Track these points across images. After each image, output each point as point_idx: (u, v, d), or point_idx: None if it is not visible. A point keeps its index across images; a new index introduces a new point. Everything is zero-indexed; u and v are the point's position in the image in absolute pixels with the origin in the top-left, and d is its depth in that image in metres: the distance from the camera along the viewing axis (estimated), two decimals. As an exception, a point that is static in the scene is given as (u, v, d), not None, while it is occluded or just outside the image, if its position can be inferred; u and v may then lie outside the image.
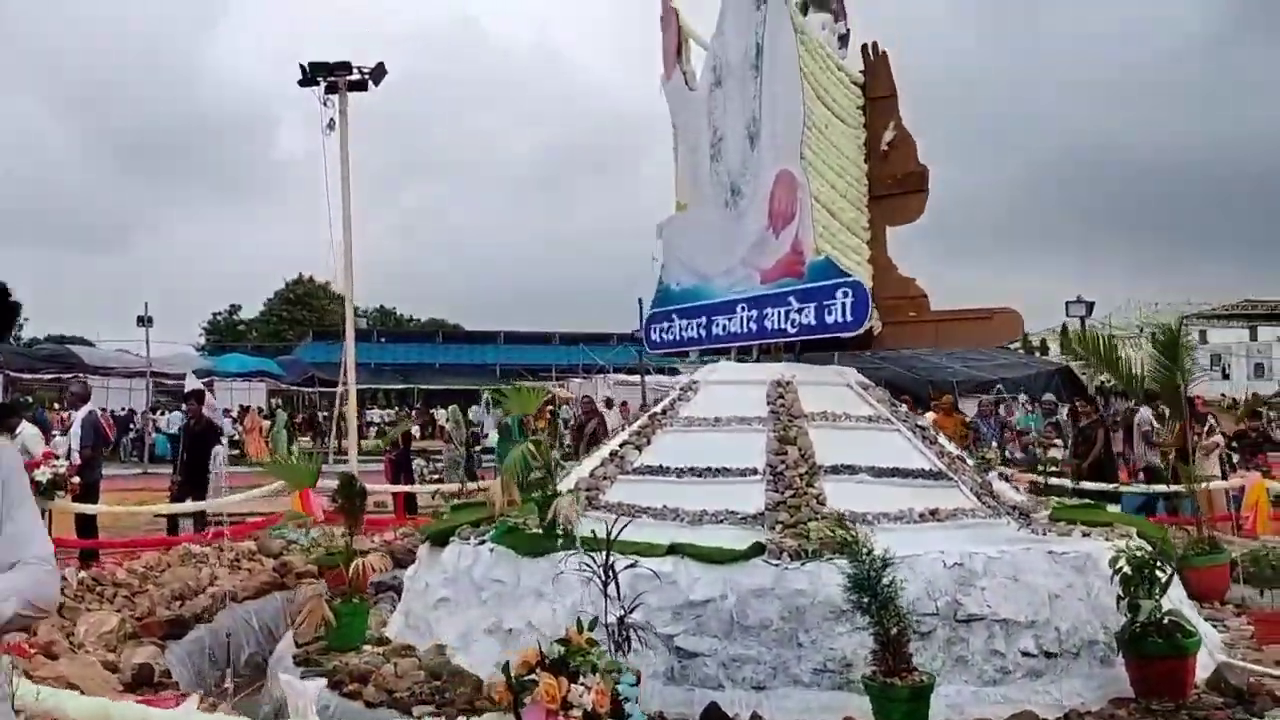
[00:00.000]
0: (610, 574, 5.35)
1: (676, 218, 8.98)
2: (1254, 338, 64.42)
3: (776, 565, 5.72)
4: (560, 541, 6.20)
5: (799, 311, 7.40)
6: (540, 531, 6.48)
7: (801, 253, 7.37)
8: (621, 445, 7.43)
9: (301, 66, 15.36)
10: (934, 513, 6.57)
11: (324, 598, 6.64)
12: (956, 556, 5.79)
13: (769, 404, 7.25)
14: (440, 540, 7.09)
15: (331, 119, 15.36)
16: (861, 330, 7.01)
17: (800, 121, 7.36)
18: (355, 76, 15.40)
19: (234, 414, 31.50)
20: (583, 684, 2.64)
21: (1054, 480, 12.52)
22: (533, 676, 2.70)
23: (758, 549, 5.80)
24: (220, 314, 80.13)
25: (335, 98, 15.30)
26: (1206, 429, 13.15)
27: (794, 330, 7.46)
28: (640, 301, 46.96)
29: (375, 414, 45.98)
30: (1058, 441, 14.22)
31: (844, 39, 8.43)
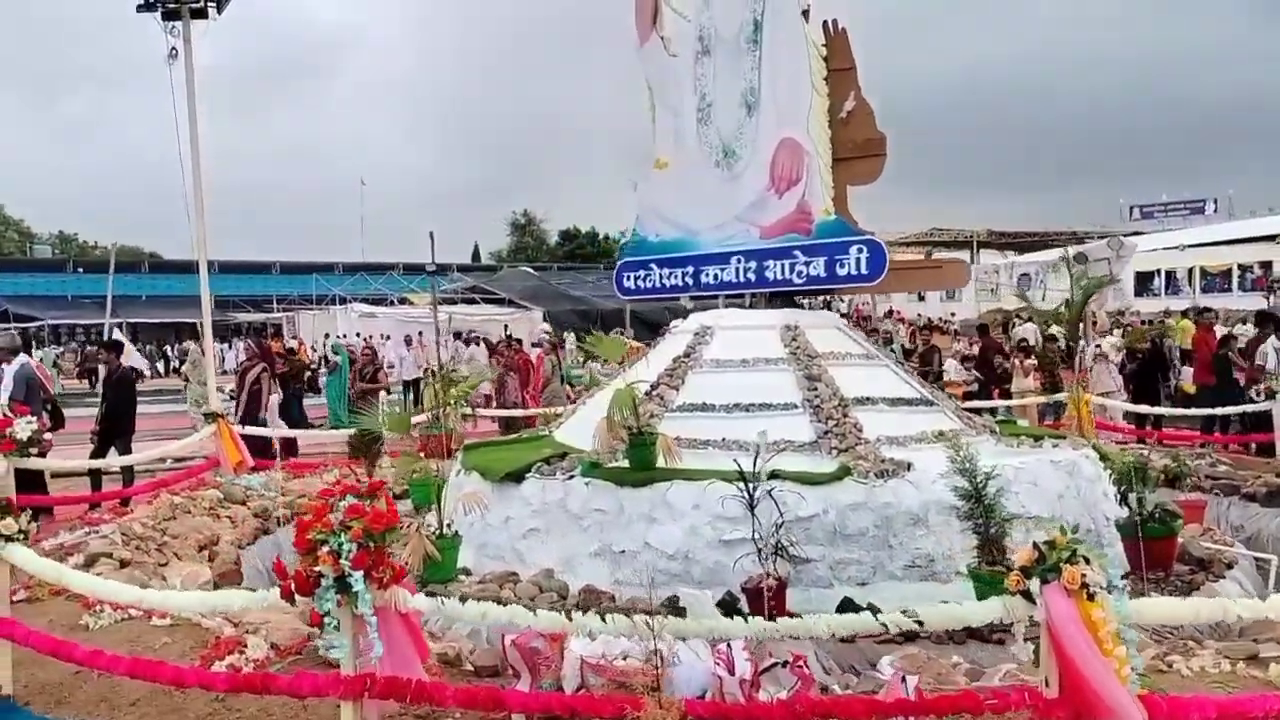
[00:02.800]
0: (753, 498, 6.31)
1: (656, 175, 9.72)
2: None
3: (865, 483, 6.84)
4: (662, 473, 7.04)
5: (806, 264, 8.45)
6: (627, 466, 7.26)
7: (809, 212, 8.41)
8: (655, 386, 8.23)
9: (139, -9, 14.41)
10: (941, 434, 7.92)
11: (424, 533, 7.04)
12: (994, 468, 7.11)
13: (785, 346, 8.30)
14: (515, 478, 7.65)
15: (174, 48, 14.59)
16: (880, 280, 8.18)
17: (807, 94, 8.37)
18: (197, 4, 14.67)
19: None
20: (1089, 569, 3.61)
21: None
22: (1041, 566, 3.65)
23: (845, 470, 6.89)
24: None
25: (179, 24, 14.51)
26: (1024, 355, 15.49)
27: (800, 280, 8.51)
28: (432, 235, 46.12)
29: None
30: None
31: (806, 14, 9.42)
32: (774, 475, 6.86)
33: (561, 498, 7.34)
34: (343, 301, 50.77)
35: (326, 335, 42.19)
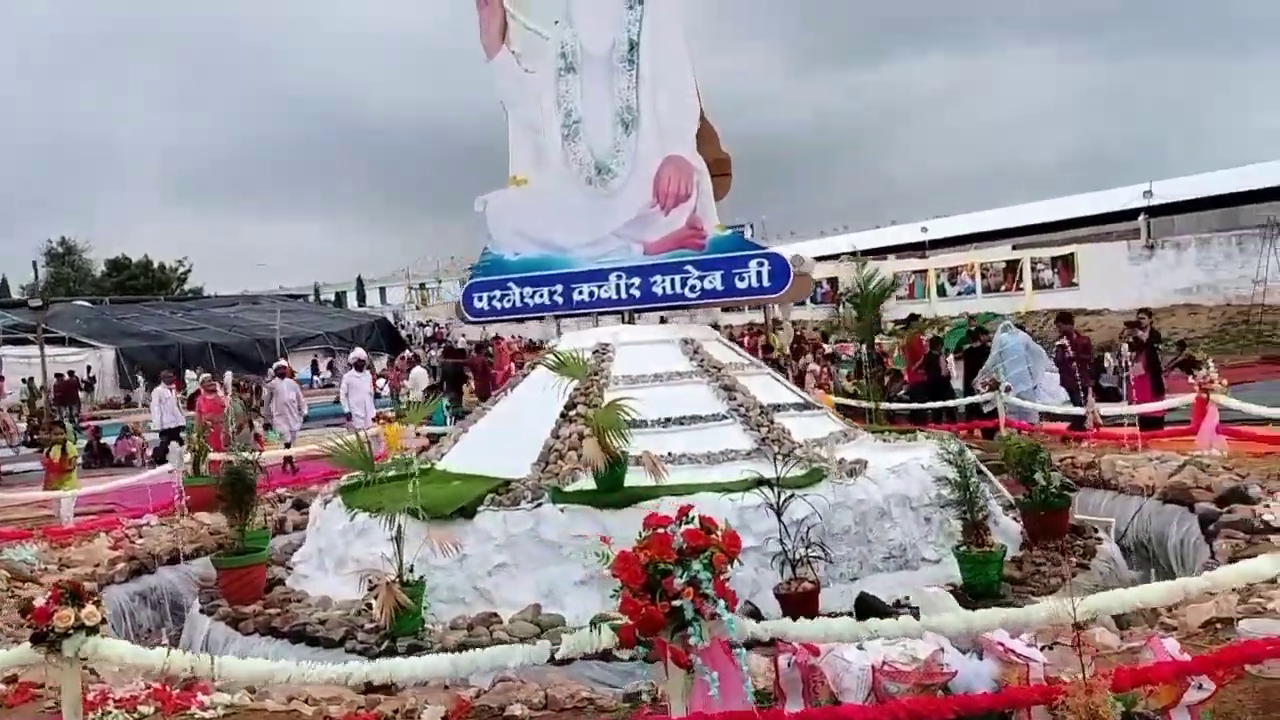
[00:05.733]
0: (780, 506, 6.42)
1: (510, 192, 9.38)
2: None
3: (840, 483, 7.15)
4: (641, 491, 6.89)
5: (700, 279, 8.60)
6: (597, 488, 7.03)
7: (700, 228, 8.58)
8: (572, 407, 7.99)
9: None
10: (845, 434, 8.45)
11: (390, 582, 6.35)
12: (924, 462, 7.71)
13: (690, 359, 8.41)
14: (466, 513, 7.10)
15: None
16: (783, 292, 8.49)
17: (694, 112, 8.54)
18: None
19: None
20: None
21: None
22: None
23: (819, 474, 7.15)
24: None
25: None
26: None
27: (693, 295, 8.65)
28: (35, 264, 39.25)
29: None
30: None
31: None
32: (761, 483, 6.99)
33: (532, 527, 6.95)
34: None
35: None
